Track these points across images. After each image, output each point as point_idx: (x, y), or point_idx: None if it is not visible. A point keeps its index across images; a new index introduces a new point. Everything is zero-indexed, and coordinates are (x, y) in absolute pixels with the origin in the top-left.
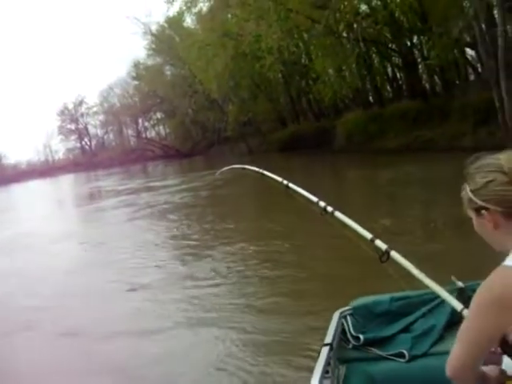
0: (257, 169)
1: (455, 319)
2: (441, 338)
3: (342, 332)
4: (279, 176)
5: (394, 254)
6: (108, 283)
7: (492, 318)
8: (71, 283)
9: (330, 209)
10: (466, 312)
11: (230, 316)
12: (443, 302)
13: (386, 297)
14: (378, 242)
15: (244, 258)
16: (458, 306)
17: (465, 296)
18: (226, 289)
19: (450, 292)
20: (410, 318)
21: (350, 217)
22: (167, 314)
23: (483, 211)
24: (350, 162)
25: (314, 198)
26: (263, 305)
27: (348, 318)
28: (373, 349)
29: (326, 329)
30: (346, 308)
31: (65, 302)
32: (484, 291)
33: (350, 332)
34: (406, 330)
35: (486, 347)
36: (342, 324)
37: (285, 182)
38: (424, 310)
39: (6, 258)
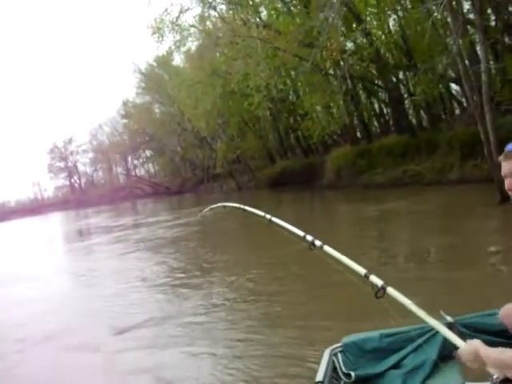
0: (237, 205)
1: (445, 354)
2: (431, 374)
3: (333, 369)
4: (261, 210)
5: (390, 289)
6: (100, 313)
7: None
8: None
9: (318, 243)
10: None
11: (218, 351)
12: (433, 337)
13: (375, 333)
14: (373, 278)
15: (231, 298)
16: (447, 341)
17: (454, 331)
18: (213, 323)
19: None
20: (401, 354)
21: (340, 250)
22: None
23: None
24: (339, 197)
25: (301, 232)
26: (250, 344)
27: (339, 355)
28: None
29: (317, 367)
30: (337, 345)
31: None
32: None
33: (341, 369)
34: (396, 366)
35: None
36: (333, 361)
37: (267, 216)
38: (414, 345)
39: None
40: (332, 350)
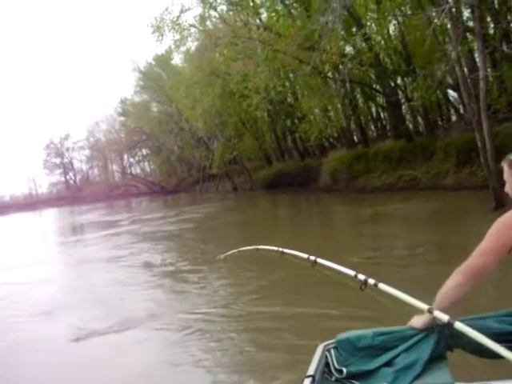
0: (275, 248)
1: (438, 354)
2: (422, 373)
3: (325, 365)
4: (304, 252)
5: (458, 324)
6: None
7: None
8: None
9: (371, 281)
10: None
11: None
12: (426, 336)
13: (369, 331)
14: (437, 313)
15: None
16: (441, 341)
17: (448, 332)
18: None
19: (434, 327)
20: (393, 352)
21: (396, 287)
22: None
23: None
24: (333, 200)
25: (352, 272)
26: None
27: (332, 351)
28: (355, 382)
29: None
30: (330, 341)
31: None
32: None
33: (333, 365)
34: (388, 363)
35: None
36: (326, 357)
37: (312, 257)
38: (407, 344)
39: None
40: (325, 346)
